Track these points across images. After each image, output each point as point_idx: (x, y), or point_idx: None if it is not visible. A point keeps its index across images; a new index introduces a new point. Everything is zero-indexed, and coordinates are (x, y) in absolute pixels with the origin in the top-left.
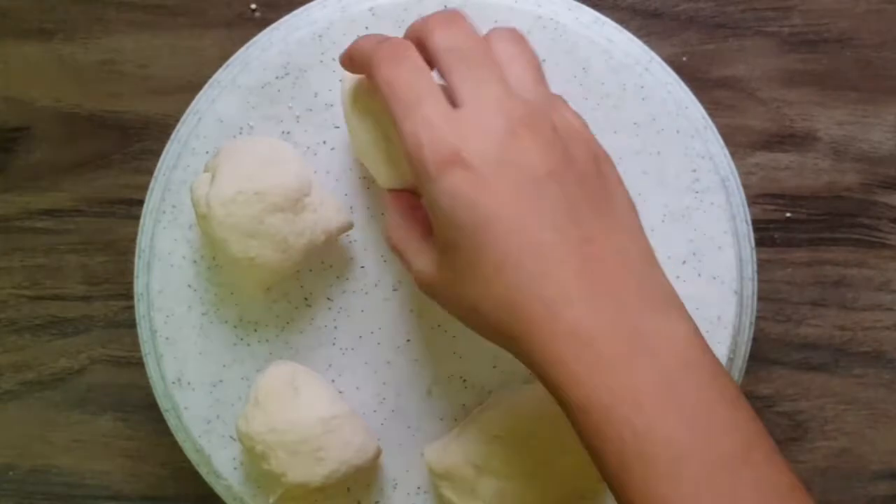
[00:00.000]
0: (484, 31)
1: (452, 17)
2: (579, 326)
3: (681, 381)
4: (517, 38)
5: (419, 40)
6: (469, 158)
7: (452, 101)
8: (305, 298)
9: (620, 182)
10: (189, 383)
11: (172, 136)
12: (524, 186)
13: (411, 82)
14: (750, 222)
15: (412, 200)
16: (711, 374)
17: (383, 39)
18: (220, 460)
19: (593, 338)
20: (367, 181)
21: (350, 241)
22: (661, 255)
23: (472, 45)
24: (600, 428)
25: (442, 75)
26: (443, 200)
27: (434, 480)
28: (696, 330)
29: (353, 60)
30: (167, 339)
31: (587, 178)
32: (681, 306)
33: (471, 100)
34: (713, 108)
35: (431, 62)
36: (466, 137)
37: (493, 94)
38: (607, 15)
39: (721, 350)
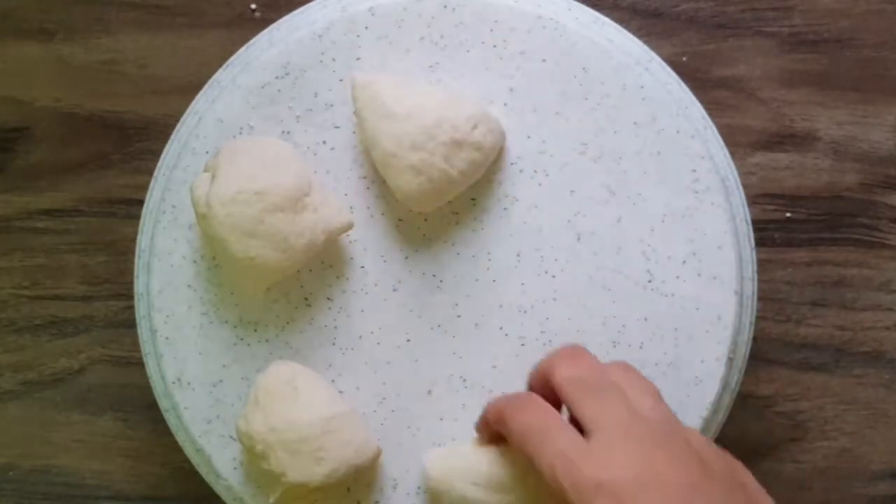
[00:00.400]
0: (482, 30)
1: (574, 351)
2: None
3: None
4: (629, 366)
5: (544, 377)
6: (612, 487)
7: (582, 431)
8: (305, 298)
9: (761, 489)
10: (189, 383)
11: (172, 136)
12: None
13: (540, 421)
14: (750, 222)
15: None
16: None
17: (509, 397)
18: (220, 460)
19: None
20: (367, 181)
21: (350, 241)
22: (661, 255)
23: (592, 373)
24: None
25: (568, 406)
26: None
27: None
28: None
29: (487, 423)
30: (167, 339)
31: (732, 489)
32: None
33: (599, 427)
34: (713, 108)
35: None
36: (604, 467)
37: (619, 417)
38: (607, 15)
39: (721, 350)
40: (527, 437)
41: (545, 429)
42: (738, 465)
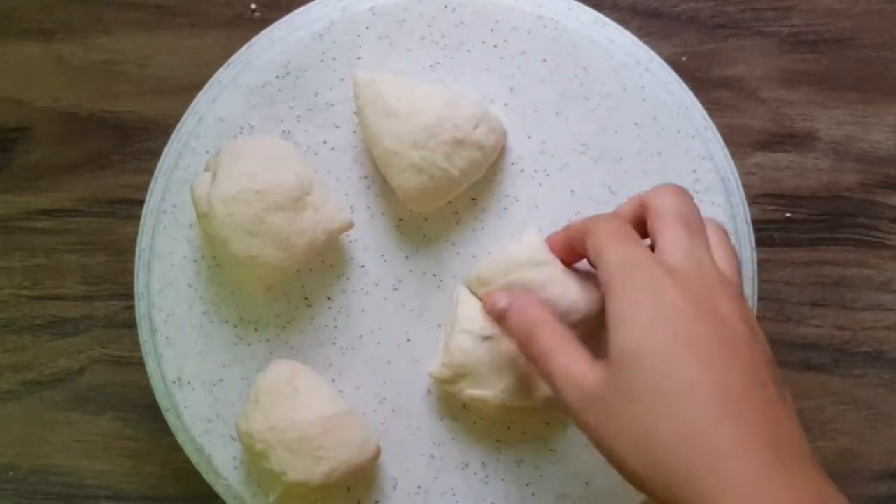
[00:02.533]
0: (482, 29)
1: (684, 190)
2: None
3: None
4: (725, 234)
5: (643, 204)
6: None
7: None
8: (306, 298)
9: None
10: (189, 383)
11: (173, 136)
12: (723, 336)
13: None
14: (750, 222)
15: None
16: None
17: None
18: (220, 460)
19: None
20: (368, 181)
21: (350, 241)
22: None
23: (696, 216)
24: None
25: (655, 231)
26: (637, 314)
27: (448, 390)
28: None
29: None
30: (167, 338)
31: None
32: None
33: (681, 260)
34: (713, 108)
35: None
36: (677, 282)
37: (704, 259)
38: (607, 15)
39: None
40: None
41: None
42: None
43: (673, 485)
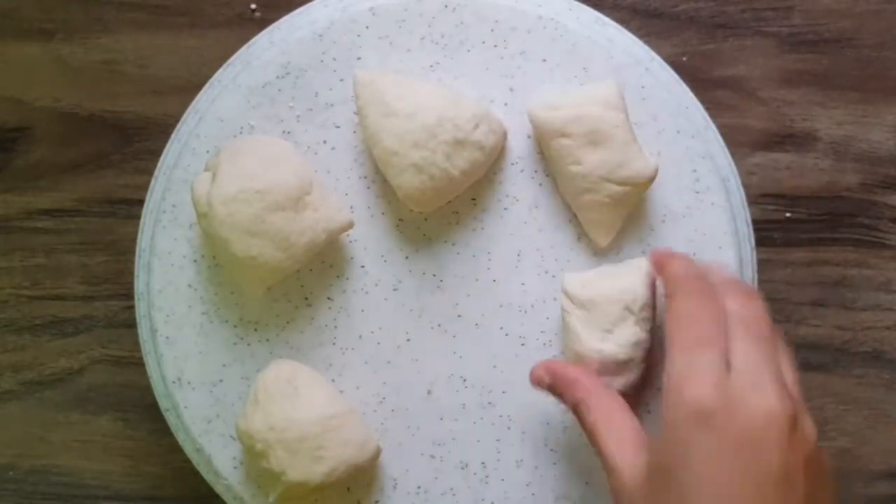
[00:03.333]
0: (482, 29)
1: (754, 293)
2: None
3: None
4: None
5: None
6: (721, 427)
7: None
8: (306, 298)
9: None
10: (189, 383)
11: (173, 136)
12: (757, 479)
13: (705, 322)
14: (750, 222)
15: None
16: None
17: (693, 269)
18: (219, 460)
19: None
20: (368, 181)
21: (350, 241)
22: None
23: (765, 327)
24: None
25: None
26: (679, 436)
27: (567, 306)
28: None
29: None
30: (167, 338)
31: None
32: None
33: (746, 372)
34: (713, 108)
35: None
36: (728, 407)
37: (770, 375)
38: (608, 15)
39: None
40: (683, 325)
41: (705, 333)
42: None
43: None
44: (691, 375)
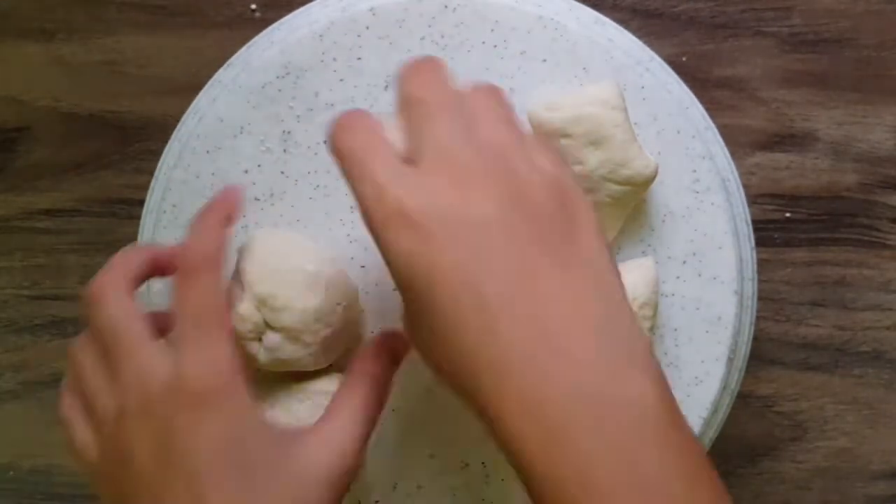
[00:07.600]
0: (482, 30)
1: (423, 65)
2: (525, 397)
3: (640, 457)
4: (493, 90)
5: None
6: (412, 215)
7: (409, 157)
8: None
9: (590, 221)
10: None
11: (173, 136)
12: (468, 239)
13: (363, 143)
14: (750, 222)
15: None
16: (677, 449)
17: (341, 113)
18: None
19: (543, 410)
20: None
21: (350, 241)
22: (661, 255)
23: (439, 95)
24: None
25: (403, 131)
26: (389, 257)
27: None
28: (662, 394)
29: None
30: None
31: (541, 218)
32: (648, 364)
33: (421, 152)
34: (713, 108)
35: None
36: (411, 194)
37: (447, 142)
38: (607, 15)
39: (721, 350)
40: (347, 162)
41: (366, 150)
42: (572, 193)
43: None
44: (366, 190)
